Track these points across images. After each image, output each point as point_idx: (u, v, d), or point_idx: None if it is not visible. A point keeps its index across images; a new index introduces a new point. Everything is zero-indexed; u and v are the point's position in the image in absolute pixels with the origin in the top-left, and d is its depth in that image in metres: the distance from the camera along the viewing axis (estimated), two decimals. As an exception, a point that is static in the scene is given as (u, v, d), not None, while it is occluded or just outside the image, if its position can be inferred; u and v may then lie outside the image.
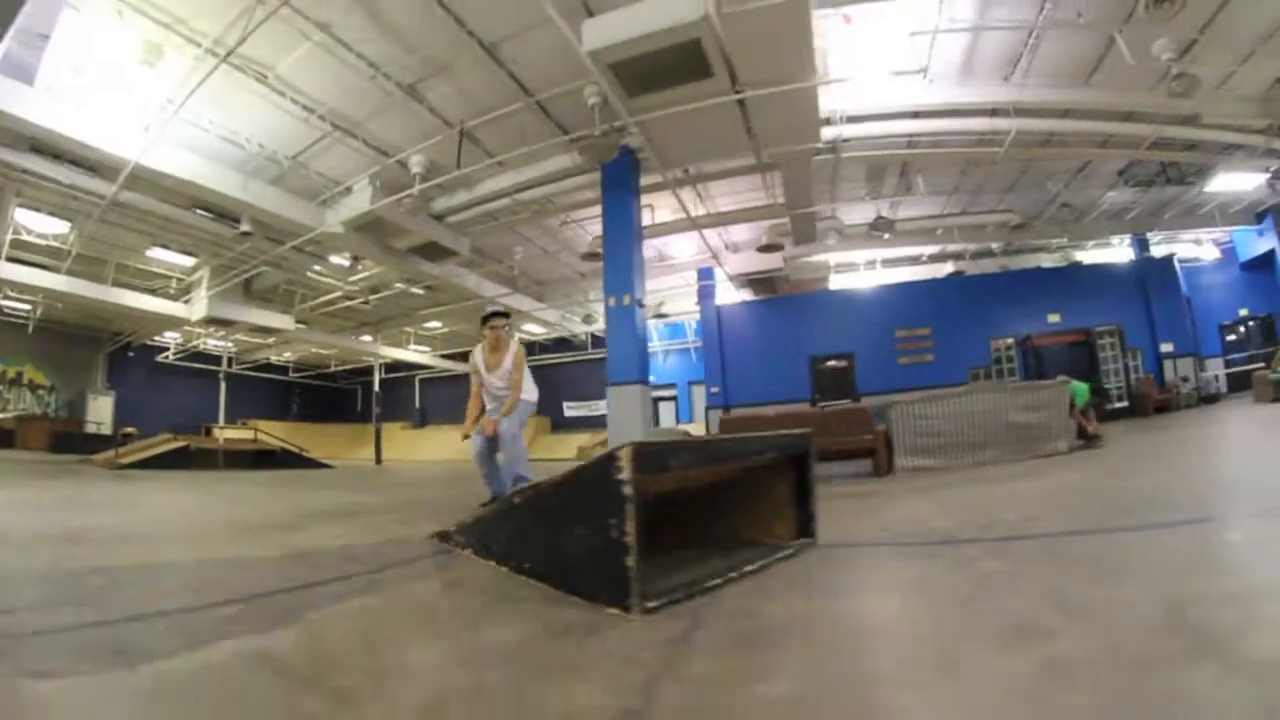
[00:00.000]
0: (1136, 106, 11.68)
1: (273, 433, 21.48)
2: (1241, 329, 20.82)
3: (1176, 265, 20.02)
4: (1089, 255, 21.97)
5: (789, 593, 2.74)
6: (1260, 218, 18.22)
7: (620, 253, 11.39)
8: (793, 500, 3.98)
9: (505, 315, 6.15)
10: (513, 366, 5.88)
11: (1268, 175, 15.05)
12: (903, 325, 19.25)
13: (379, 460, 22.83)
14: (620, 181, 11.36)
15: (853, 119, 11.26)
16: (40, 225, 13.34)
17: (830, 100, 10.55)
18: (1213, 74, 11.01)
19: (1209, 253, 21.74)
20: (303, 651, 2.08)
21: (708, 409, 20.47)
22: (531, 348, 27.35)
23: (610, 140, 9.59)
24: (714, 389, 20.23)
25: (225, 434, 21.00)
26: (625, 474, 2.59)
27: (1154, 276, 19.50)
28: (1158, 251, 20.58)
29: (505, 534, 3.52)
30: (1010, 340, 19.19)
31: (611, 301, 11.27)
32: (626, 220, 11.39)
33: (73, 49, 8.47)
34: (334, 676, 1.83)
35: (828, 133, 11.02)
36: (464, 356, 29.12)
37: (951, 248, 19.47)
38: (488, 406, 5.96)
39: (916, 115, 11.57)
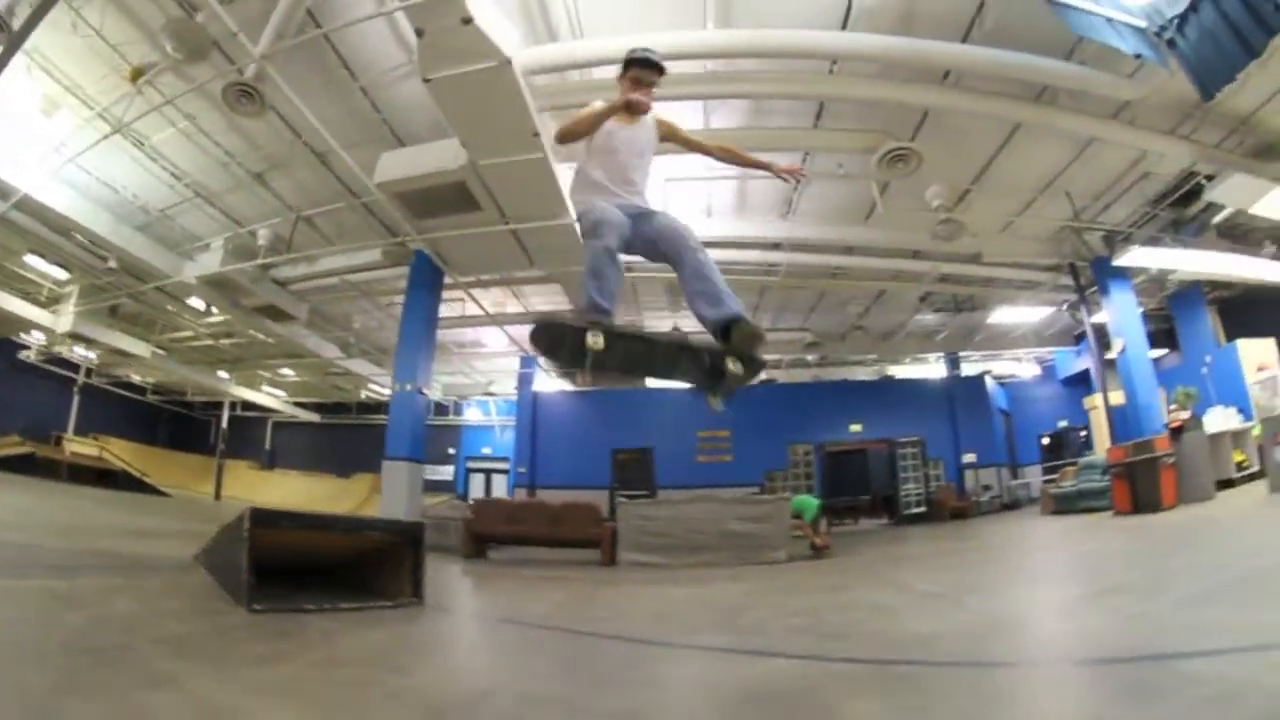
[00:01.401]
0: (918, 245, 13.81)
1: (122, 453, 22.62)
2: (1047, 440, 23.39)
3: (987, 382, 22.67)
4: (905, 370, 24.60)
5: (363, 626, 4.48)
6: (1078, 339, 20.02)
7: (412, 344, 13.13)
8: (410, 569, 5.72)
9: (659, 70, 4.16)
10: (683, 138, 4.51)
11: (1056, 308, 18.08)
12: (704, 426, 21.21)
13: (218, 495, 23.80)
14: (422, 281, 13.26)
15: None
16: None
17: None
18: (990, 219, 13.31)
19: (1029, 369, 24.46)
20: (66, 590, 4.28)
21: (513, 486, 22.29)
22: (369, 407, 28.77)
23: (403, 250, 12.44)
24: (521, 469, 21.97)
25: (74, 446, 22.00)
26: (246, 525, 4.63)
27: (961, 392, 22.04)
28: (974, 369, 23.32)
29: (216, 556, 5.42)
30: (809, 446, 21.53)
31: (397, 386, 12.96)
32: (421, 315, 13.26)
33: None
34: (77, 603, 3.99)
35: None
36: (316, 407, 30.62)
37: (769, 356, 21.51)
38: (604, 183, 4.11)
39: (711, 245, 14.20)
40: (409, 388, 12.88)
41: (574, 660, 4.16)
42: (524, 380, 22.46)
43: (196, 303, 18.03)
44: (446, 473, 27.06)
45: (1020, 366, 24.89)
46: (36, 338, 23.18)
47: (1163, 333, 18.74)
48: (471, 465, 26.92)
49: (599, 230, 3.79)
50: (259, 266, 14.02)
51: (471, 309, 16.50)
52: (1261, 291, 16.77)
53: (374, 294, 16.37)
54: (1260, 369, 15.14)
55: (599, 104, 4.08)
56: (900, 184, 11.73)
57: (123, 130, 10.96)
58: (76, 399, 25.32)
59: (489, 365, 22.69)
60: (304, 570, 5.78)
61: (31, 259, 16.58)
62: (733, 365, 3.87)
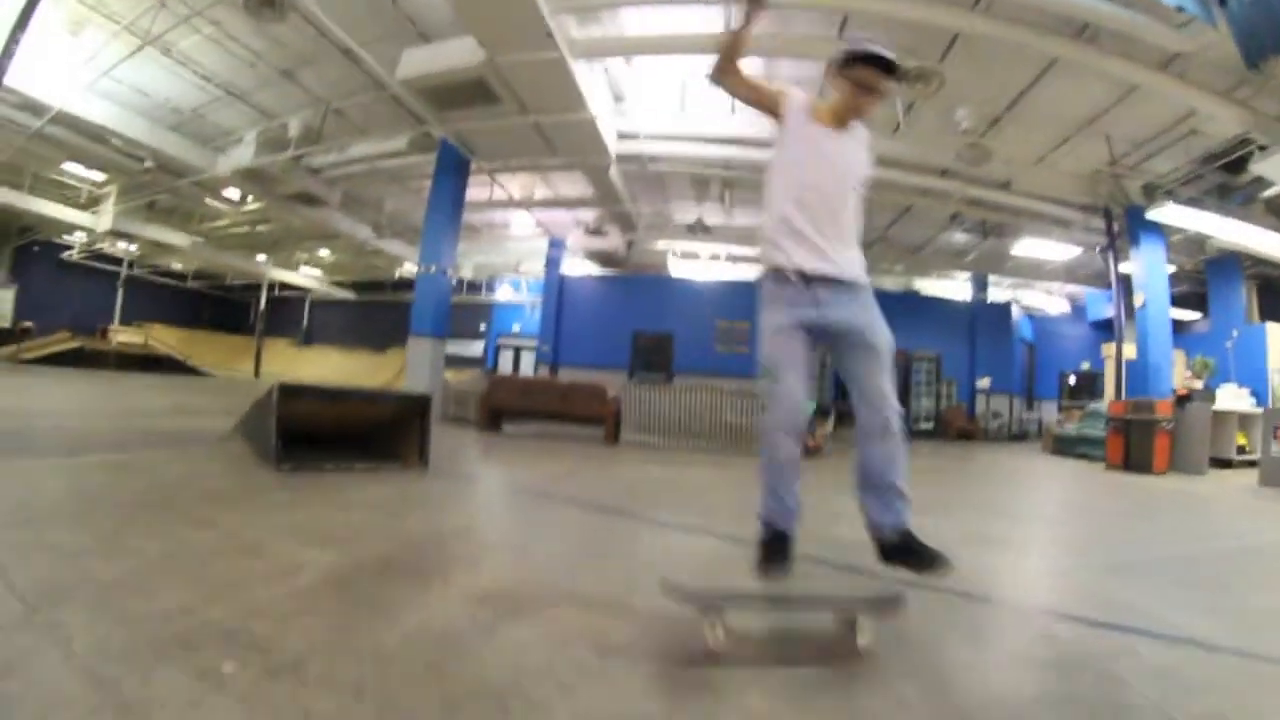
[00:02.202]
0: (946, 165, 13.85)
1: (165, 339, 24.09)
2: (1073, 379, 23.78)
3: (1013, 311, 23.02)
4: (931, 286, 24.57)
5: (372, 483, 5.46)
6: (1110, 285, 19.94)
7: (437, 228, 13.83)
8: (418, 437, 6.60)
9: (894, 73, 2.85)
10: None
11: (1086, 250, 17.77)
12: (724, 317, 22.04)
13: (257, 374, 25.13)
14: (447, 168, 13.84)
15: (656, 138, 13.91)
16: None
17: (634, 122, 13.50)
18: (1023, 150, 13.16)
19: (1059, 305, 24.83)
20: (123, 462, 5.23)
21: (536, 363, 23.54)
22: (403, 285, 29.19)
23: (429, 139, 13.09)
24: (544, 346, 22.95)
25: (120, 336, 23.31)
26: (275, 398, 5.58)
27: (984, 316, 22.55)
28: (1002, 295, 23.60)
29: (251, 427, 6.33)
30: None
31: (422, 269, 13.75)
32: (446, 200, 13.87)
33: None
34: (132, 471, 5.00)
35: (632, 146, 13.99)
36: (352, 285, 31.36)
37: None
38: (802, 228, 2.86)
39: (729, 142, 13.98)
40: (433, 270, 13.69)
41: (538, 519, 5.22)
42: (551, 262, 23.05)
43: (232, 193, 18.87)
44: (477, 349, 28.07)
45: (1050, 301, 25.12)
46: (79, 237, 24.42)
47: (1197, 296, 18.58)
48: (502, 342, 27.56)
49: (774, 419, 2.94)
50: (291, 158, 14.74)
51: (499, 193, 17.20)
52: None
53: (404, 179, 17.17)
54: None
55: (795, 91, 3.01)
56: (928, 103, 11.73)
57: (150, 43, 11.63)
58: (120, 292, 26.66)
59: (518, 246, 23.49)
60: (328, 437, 6.65)
61: (70, 165, 17.51)
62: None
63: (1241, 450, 11.93)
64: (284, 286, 30.76)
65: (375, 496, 5.07)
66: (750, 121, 12.98)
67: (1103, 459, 12.48)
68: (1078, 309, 24.15)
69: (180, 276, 31.65)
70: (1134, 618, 3.14)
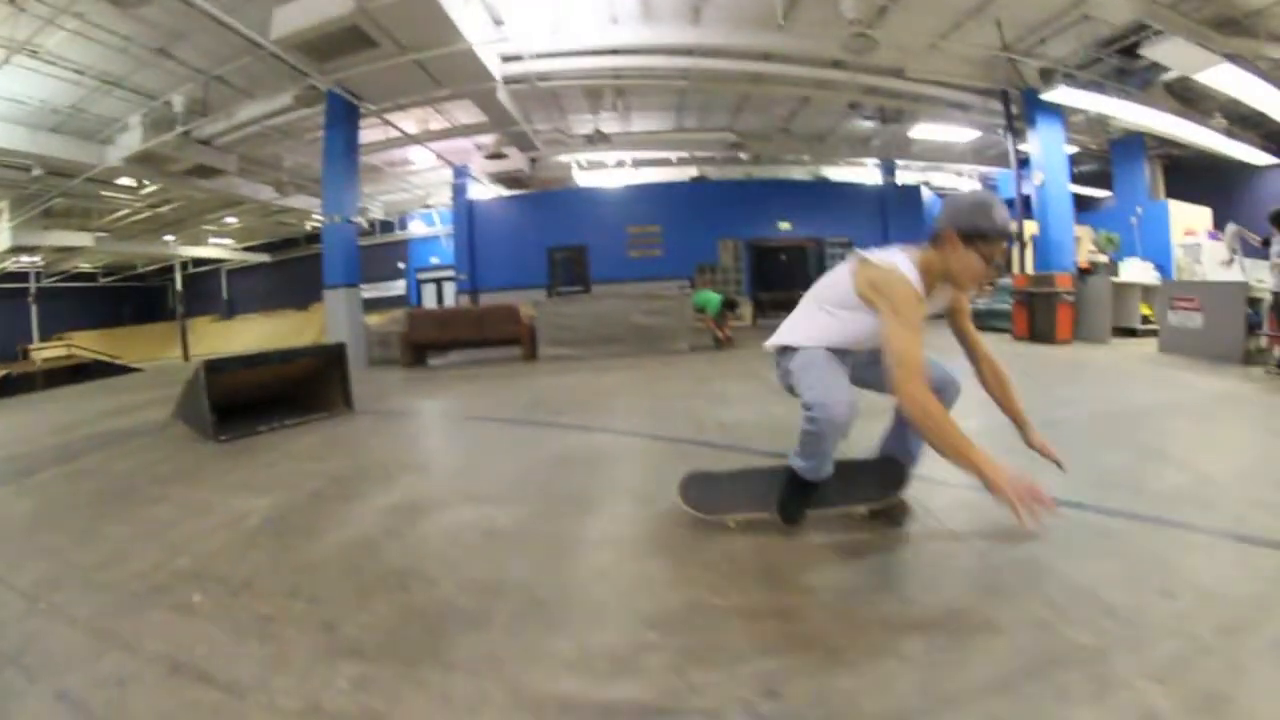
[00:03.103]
0: (838, 56, 13.86)
1: (89, 344, 23.72)
2: None
3: (923, 192, 24.16)
4: (840, 173, 25.24)
5: (302, 434, 6.33)
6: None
7: (336, 179, 14.27)
8: (340, 383, 7.48)
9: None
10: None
11: (987, 132, 18.30)
12: (635, 223, 22.59)
13: (186, 357, 24.63)
14: (336, 119, 14.10)
15: (541, 56, 14.13)
16: None
17: (517, 44, 13.68)
18: (913, 38, 13.33)
19: (972, 186, 24.82)
20: (77, 469, 5.65)
21: (457, 293, 24.04)
22: (316, 237, 28.79)
23: (315, 93, 13.35)
24: (461, 275, 23.39)
25: (43, 353, 23.21)
26: (202, 376, 6.25)
27: (894, 199, 23.44)
28: (913, 178, 24.64)
29: (186, 409, 6.84)
30: (739, 242, 22.82)
31: (326, 220, 14.28)
32: (340, 151, 14.20)
33: None
34: (87, 476, 5.47)
35: (518, 68, 14.37)
36: (266, 247, 31.35)
37: (700, 154, 22.70)
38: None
39: (615, 52, 14.28)
40: (338, 219, 14.19)
41: (448, 439, 6.39)
42: (458, 190, 23.33)
43: (128, 181, 18.86)
44: (399, 288, 28.54)
45: (962, 182, 25.83)
46: (-25, 265, 23.34)
47: (1107, 175, 19.53)
48: (422, 277, 28.32)
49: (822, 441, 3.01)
50: (180, 134, 14.89)
51: (396, 132, 17.61)
52: (1216, 160, 17.48)
53: (297, 134, 17.28)
54: (1187, 233, 15.83)
55: (912, 279, 2.87)
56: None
57: (16, 51, 11.72)
58: (34, 307, 26.56)
59: (424, 179, 23.85)
60: (261, 401, 7.34)
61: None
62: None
63: (1146, 320, 12.35)
64: (198, 263, 30.87)
65: (304, 446, 6.00)
66: (633, 30, 13.62)
67: (1008, 331, 13.26)
68: (992, 189, 23.68)
69: (91, 277, 31.51)
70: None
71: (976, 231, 2.77)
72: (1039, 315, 12.48)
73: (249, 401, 7.15)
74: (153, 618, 2.64)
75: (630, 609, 2.58)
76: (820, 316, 3.15)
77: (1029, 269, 14.60)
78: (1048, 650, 2.18)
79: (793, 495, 3.25)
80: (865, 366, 3.24)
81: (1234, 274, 11.34)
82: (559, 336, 12.80)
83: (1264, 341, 8.76)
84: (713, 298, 14.00)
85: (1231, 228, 12.00)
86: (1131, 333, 12.49)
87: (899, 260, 2.89)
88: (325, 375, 7.59)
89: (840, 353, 3.14)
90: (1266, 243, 8.82)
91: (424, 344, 13.33)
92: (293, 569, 3.07)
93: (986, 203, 2.83)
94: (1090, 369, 9.02)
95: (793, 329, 3.24)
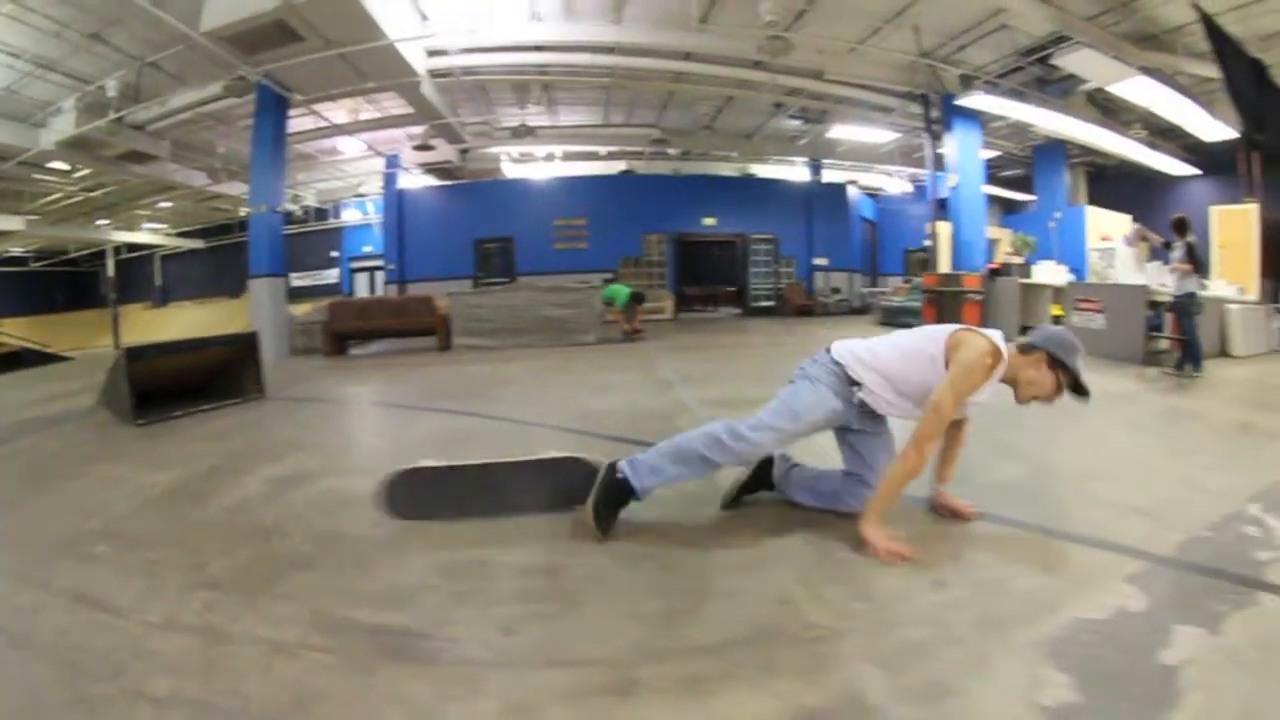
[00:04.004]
0: (757, 57, 14.49)
1: (18, 331, 23.38)
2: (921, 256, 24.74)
3: (850, 191, 24.96)
4: (768, 170, 25.77)
5: (215, 418, 6.88)
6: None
7: (263, 169, 14.63)
8: (254, 371, 8.02)
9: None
10: None
11: (907, 134, 19.37)
12: (561, 215, 23.06)
13: (117, 345, 24.15)
14: (266, 109, 14.46)
15: (466, 51, 14.96)
16: None
17: (443, 39, 14.38)
18: (831, 42, 14.09)
19: (902, 187, 26.96)
20: (5, 453, 5.94)
21: (385, 283, 24.19)
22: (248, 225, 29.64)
23: (245, 83, 13.95)
24: (391, 265, 23.75)
25: None
26: (123, 363, 6.66)
27: (820, 197, 24.19)
28: (841, 177, 25.37)
29: (110, 395, 7.14)
30: (664, 236, 23.45)
31: (252, 209, 14.65)
32: (268, 141, 14.58)
33: None
34: (15, 457, 6.09)
35: (443, 62, 15.21)
36: (201, 233, 31.48)
37: (629, 148, 23.31)
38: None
39: (539, 49, 15.16)
40: (264, 209, 14.56)
41: (341, 422, 7.26)
42: (389, 179, 23.85)
43: (60, 165, 19.19)
44: (333, 276, 28.81)
45: (891, 182, 27.05)
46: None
47: (1030, 179, 20.71)
48: (355, 266, 28.48)
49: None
50: (114, 119, 15.31)
51: (325, 122, 18.27)
52: (1137, 170, 18.75)
53: (230, 121, 17.78)
54: (1103, 239, 16.48)
55: (1002, 348, 3.30)
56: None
57: None
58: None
59: (356, 167, 24.48)
60: (182, 387, 7.76)
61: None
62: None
63: (1057, 321, 12.44)
64: (131, 248, 30.72)
65: (215, 428, 6.69)
66: (555, 27, 14.35)
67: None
68: (921, 189, 25.20)
69: (22, 261, 31.33)
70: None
71: (1063, 363, 3.20)
72: (946, 313, 13.10)
73: (170, 388, 7.69)
74: (64, 566, 3.29)
75: (430, 561, 3.19)
76: (892, 357, 3.44)
77: (945, 268, 15.46)
78: (777, 624, 2.43)
79: (610, 501, 3.38)
80: (861, 436, 3.54)
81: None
82: (472, 328, 13.37)
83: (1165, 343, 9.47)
84: (621, 291, 14.58)
85: (1134, 227, 12.91)
86: (1044, 331, 13.16)
87: (999, 336, 3.30)
88: (240, 363, 8.22)
89: (850, 409, 3.45)
90: (1168, 245, 9.48)
91: (345, 333, 13.72)
92: (183, 525, 3.87)
93: (1079, 347, 3.25)
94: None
95: (873, 353, 3.47)
